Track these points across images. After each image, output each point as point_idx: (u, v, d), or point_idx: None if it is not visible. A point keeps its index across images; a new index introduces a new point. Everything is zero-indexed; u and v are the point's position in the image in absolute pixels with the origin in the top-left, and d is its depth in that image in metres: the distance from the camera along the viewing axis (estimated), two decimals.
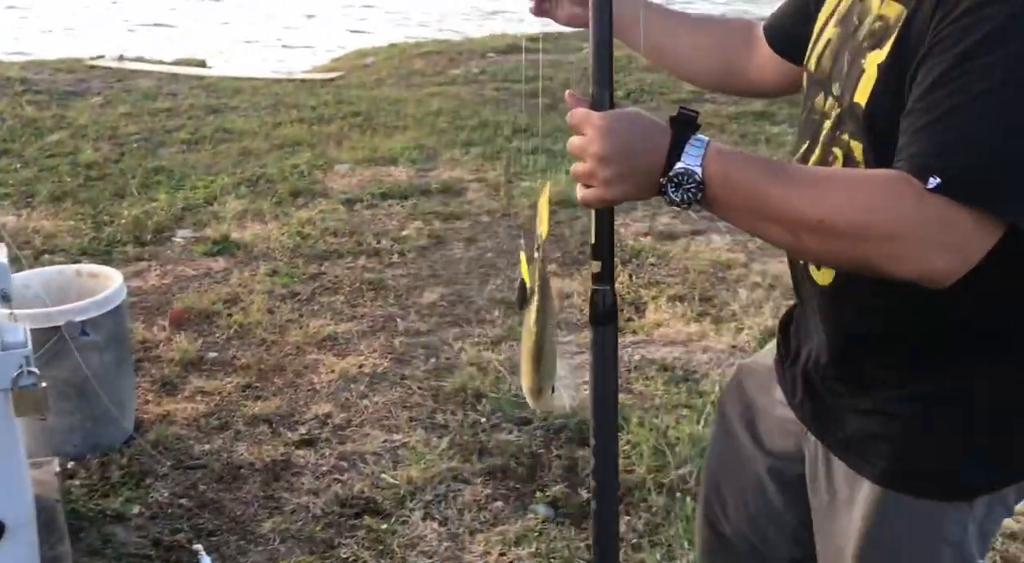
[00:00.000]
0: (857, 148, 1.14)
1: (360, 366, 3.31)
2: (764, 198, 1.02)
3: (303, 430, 2.95)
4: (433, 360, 3.35)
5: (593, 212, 1.14)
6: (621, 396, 3.09)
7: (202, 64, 9.85)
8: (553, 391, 1.31)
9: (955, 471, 1.21)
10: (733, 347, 3.45)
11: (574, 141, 1.08)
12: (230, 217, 4.79)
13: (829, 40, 1.25)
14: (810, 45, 1.31)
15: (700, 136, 1.04)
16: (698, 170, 1.02)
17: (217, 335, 3.59)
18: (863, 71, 1.12)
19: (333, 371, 3.28)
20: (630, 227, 4.71)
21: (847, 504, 1.27)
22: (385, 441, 2.89)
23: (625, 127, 1.06)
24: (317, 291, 3.96)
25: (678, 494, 2.58)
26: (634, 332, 3.61)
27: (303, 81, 8.68)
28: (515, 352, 3.42)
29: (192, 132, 6.63)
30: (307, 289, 3.96)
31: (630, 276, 4.11)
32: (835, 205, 1.00)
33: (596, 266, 1.15)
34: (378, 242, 4.46)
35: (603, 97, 1.12)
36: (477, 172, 5.63)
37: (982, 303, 1.12)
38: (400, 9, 15.23)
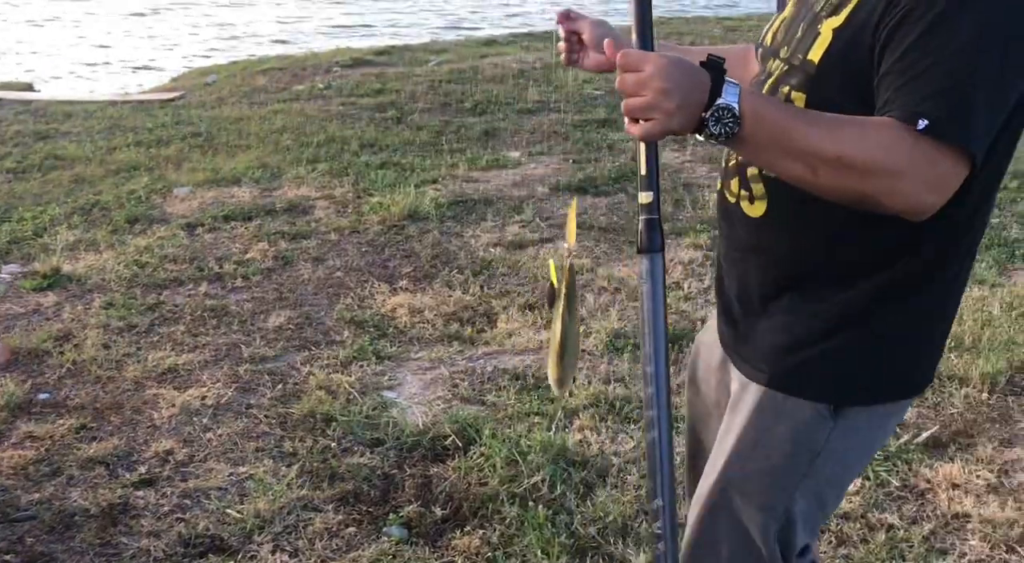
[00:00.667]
0: (800, 99, 1.30)
1: (203, 398, 3.19)
2: (789, 135, 1.15)
3: (142, 470, 2.81)
4: (280, 386, 3.26)
5: (643, 146, 1.22)
6: (474, 409, 3.10)
7: (28, 88, 9.35)
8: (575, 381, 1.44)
9: (830, 378, 1.38)
10: (582, 351, 3.50)
11: (628, 78, 1.14)
12: (61, 249, 4.54)
13: (784, 18, 1.45)
14: (766, 27, 1.51)
15: (731, 79, 1.15)
16: (736, 106, 1.13)
17: (48, 375, 3.39)
18: (819, 34, 1.29)
19: (174, 405, 3.14)
20: (480, 239, 4.72)
21: (735, 406, 1.47)
22: (231, 474, 2.78)
23: (678, 65, 1.14)
24: (156, 322, 3.79)
25: (531, 503, 2.58)
26: (486, 343, 3.61)
27: (140, 102, 8.35)
28: (364, 372, 3.37)
29: (19, 160, 6.27)
30: (145, 320, 3.79)
31: (481, 287, 4.11)
32: (850, 144, 1.13)
33: (646, 197, 1.23)
34: (220, 267, 4.31)
35: (648, 43, 1.23)
36: (324, 189, 5.53)
37: (903, 240, 1.29)
38: (243, 25, 14.88)
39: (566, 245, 1.37)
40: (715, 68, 1.15)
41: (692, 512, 1.54)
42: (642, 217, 1.24)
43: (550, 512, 2.55)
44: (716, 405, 1.64)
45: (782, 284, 1.42)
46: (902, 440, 2.88)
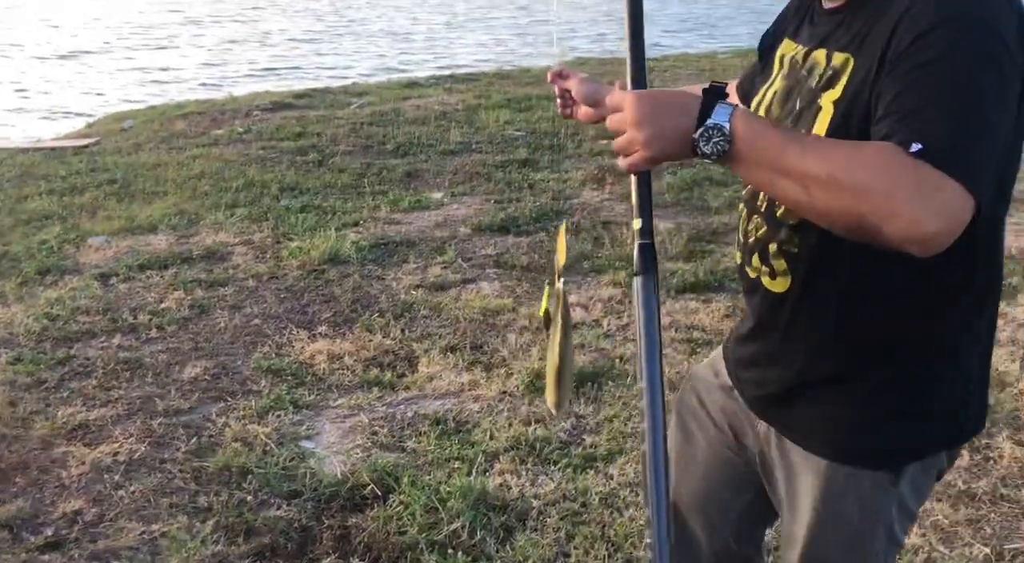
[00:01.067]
0: None
1: (114, 454, 3.10)
2: (782, 153, 1.15)
3: (49, 532, 2.72)
4: (195, 440, 3.19)
5: (633, 177, 1.29)
6: (393, 456, 3.08)
7: None
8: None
9: (884, 444, 1.43)
10: (503, 393, 3.51)
11: (613, 117, 1.23)
12: None
13: (776, 90, 1.48)
14: (756, 97, 1.54)
15: (728, 101, 1.18)
16: (727, 125, 1.16)
17: None
18: (820, 108, 1.33)
19: (84, 463, 3.05)
20: (402, 281, 4.72)
21: (802, 478, 1.49)
22: (143, 533, 2.71)
23: (653, 95, 1.22)
24: (66, 376, 3.69)
25: (451, 550, 2.57)
26: (407, 388, 3.60)
27: (53, 149, 8.17)
28: (281, 422, 3.33)
29: None
30: (55, 375, 3.68)
31: (402, 330, 4.10)
32: (843, 164, 1.13)
33: (638, 223, 1.31)
34: (135, 317, 4.23)
35: (640, 82, 1.31)
36: (242, 234, 5.47)
37: (913, 308, 1.36)
38: (164, 70, 14.71)
39: (558, 266, 1.38)
40: (714, 92, 1.20)
41: None
42: (636, 242, 1.31)
43: (470, 559, 2.55)
44: (708, 442, 1.68)
45: (818, 360, 1.45)
46: None
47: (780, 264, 1.43)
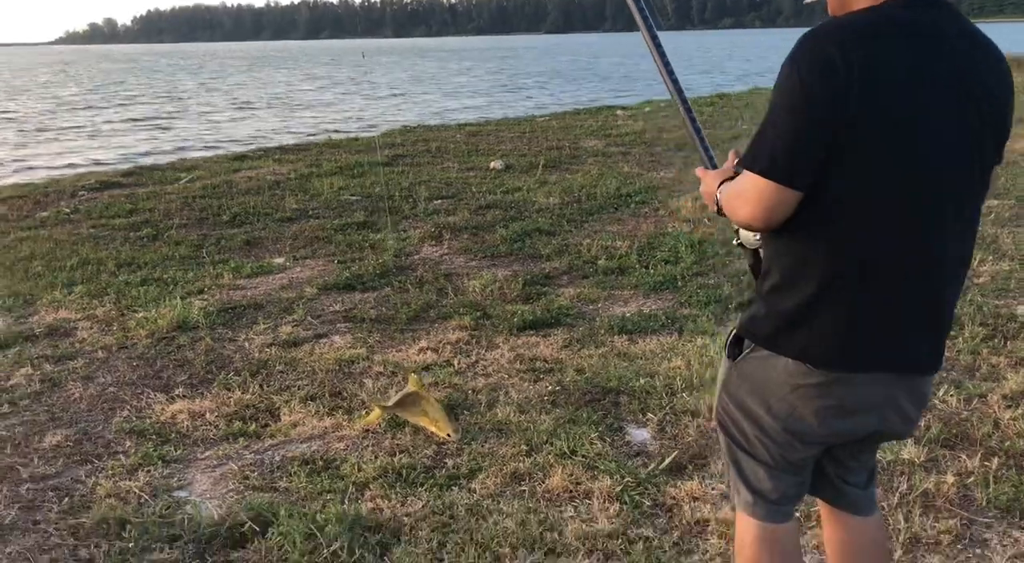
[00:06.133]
0: None
1: None
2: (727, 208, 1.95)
3: None
4: (67, 500, 3.24)
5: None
6: (267, 495, 3.24)
7: None
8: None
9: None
10: (367, 431, 3.73)
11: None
12: None
13: None
14: None
15: (726, 182, 1.98)
16: (718, 195, 2.01)
17: None
18: None
19: None
20: (254, 341, 4.87)
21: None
22: None
23: (703, 176, 2.13)
24: None
25: None
26: (272, 436, 3.76)
27: None
28: (152, 477, 3.42)
29: None
30: None
31: (260, 386, 4.26)
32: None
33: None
34: None
35: (707, 163, 2.23)
36: (84, 310, 5.46)
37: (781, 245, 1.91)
38: None
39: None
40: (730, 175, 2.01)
41: None
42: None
43: None
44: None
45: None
46: (650, 468, 3.34)
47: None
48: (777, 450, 2.00)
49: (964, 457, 3.33)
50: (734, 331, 2.02)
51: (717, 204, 2.01)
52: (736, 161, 2.01)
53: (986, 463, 3.30)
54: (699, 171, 2.18)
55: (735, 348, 2.02)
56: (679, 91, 2.26)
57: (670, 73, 2.26)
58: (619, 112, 16.04)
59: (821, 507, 2.22)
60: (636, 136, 12.60)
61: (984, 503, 3.07)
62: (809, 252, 1.82)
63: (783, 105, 1.73)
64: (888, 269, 1.79)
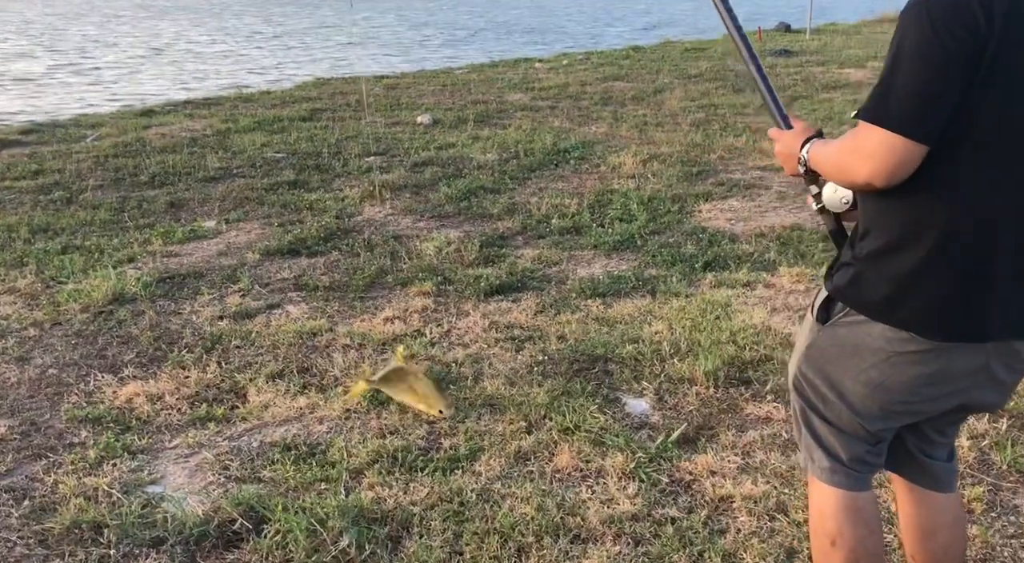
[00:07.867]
0: None
1: None
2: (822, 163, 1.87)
3: None
4: (27, 502, 2.90)
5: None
6: (253, 487, 2.97)
7: None
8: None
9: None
10: (347, 411, 3.48)
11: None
12: None
13: None
14: None
15: (817, 139, 1.92)
16: (805, 156, 1.92)
17: None
18: None
19: None
20: (201, 313, 4.52)
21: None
22: None
23: (779, 137, 2.03)
24: None
25: None
26: (243, 419, 3.47)
27: None
28: (120, 471, 3.11)
29: None
30: None
31: (219, 363, 3.94)
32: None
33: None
34: None
35: (781, 123, 2.05)
36: (3, 282, 4.98)
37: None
38: None
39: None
40: (816, 133, 1.95)
41: None
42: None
43: None
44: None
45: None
46: (658, 441, 3.20)
47: None
48: (857, 419, 1.88)
49: (972, 419, 3.30)
50: (825, 294, 1.88)
51: (805, 165, 1.90)
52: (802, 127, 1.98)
53: (995, 425, 3.27)
54: (773, 132, 2.04)
55: (824, 312, 1.89)
56: (748, 48, 2.08)
57: (738, 28, 2.08)
58: (537, 64, 15.72)
59: (898, 485, 2.11)
60: (560, 89, 12.36)
61: (1004, 467, 3.03)
62: (924, 211, 1.69)
63: (912, 52, 1.60)
64: (1007, 227, 1.68)
